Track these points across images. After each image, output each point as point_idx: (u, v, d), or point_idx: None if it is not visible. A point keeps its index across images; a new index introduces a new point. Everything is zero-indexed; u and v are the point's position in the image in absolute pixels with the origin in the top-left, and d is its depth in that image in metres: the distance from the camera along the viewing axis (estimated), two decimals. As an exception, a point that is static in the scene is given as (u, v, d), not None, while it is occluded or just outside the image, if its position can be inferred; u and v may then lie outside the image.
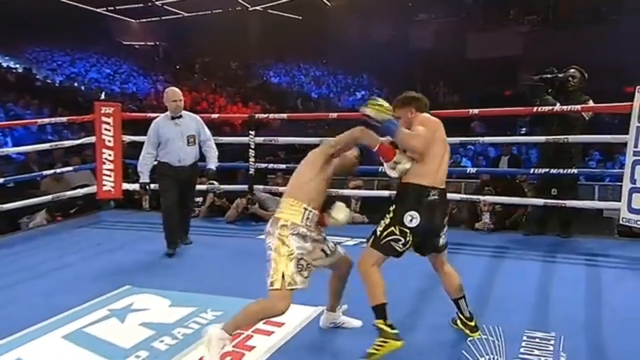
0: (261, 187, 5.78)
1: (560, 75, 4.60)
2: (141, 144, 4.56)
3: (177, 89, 4.54)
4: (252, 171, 5.57)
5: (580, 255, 4.07)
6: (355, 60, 19.99)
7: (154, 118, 4.57)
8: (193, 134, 4.45)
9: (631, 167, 4.04)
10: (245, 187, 5.61)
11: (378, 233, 2.57)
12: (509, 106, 5.28)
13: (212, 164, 4.59)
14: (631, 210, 4.05)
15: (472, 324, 2.71)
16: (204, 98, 16.38)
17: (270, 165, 6.16)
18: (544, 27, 18.28)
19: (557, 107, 4.43)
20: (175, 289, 3.46)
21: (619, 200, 4.17)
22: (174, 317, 3.04)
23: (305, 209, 2.53)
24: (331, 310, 2.83)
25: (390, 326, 2.47)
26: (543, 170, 4.56)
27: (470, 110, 5.06)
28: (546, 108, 4.45)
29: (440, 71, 18.78)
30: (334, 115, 5.73)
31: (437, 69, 18.85)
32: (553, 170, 4.47)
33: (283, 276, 2.42)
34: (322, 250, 2.64)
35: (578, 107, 4.38)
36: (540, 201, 4.57)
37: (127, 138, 5.84)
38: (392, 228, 2.53)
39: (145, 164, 4.42)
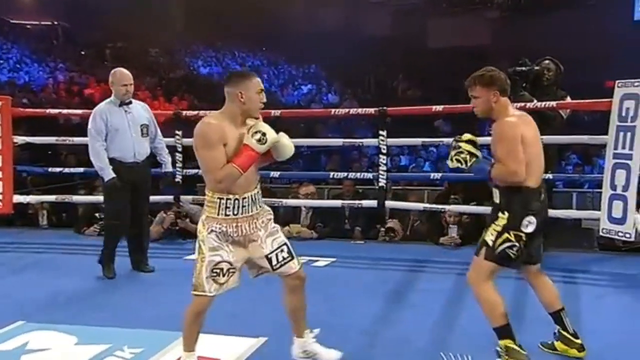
0: (190, 197, 5.72)
1: (536, 67, 4.80)
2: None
3: (126, 70, 4.47)
4: (179, 179, 5.50)
5: (557, 272, 4.21)
6: (301, 48, 20.10)
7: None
8: (146, 124, 4.44)
9: (611, 171, 4.27)
10: (170, 197, 5.53)
11: (490, 242, 2.68)
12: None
13: (169, 163, 4.66)
14: (612, 220, 4.27)
15: (579, 342, 2.80)
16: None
17: (201, 172, 6.09)
18: (515, 12, 19.06)
19: (532, 103, 4.62)
20: (84, 323, 3.37)
21: (599, 209, 4.40)
22: (81, 358, 2.95)
23: (220, 199, 2.56)
24: (298, 336, 2.79)
25: (520, 347, 2.63)
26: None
27: (434, 107, 5.19)
28: (517, 105, 4.63)
29: (399, 62, 19.19)
30: (277, 112, 5.75)
31: (395, 60, 19.25)
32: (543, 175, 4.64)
33: (198, 279, 2.57)
34: (260, 249, 2.63)
35: (554, 103, 4.59)
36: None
37: (20, 139, 5.68)
38: (507, 234, 2.65)
39: (102, 154, 4.27)
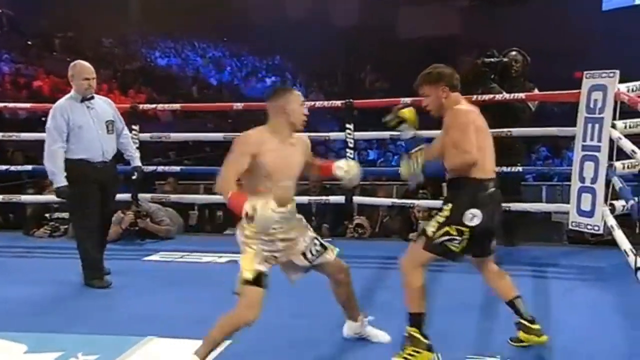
0: (148, 196, 5.67)
1: (504, 59, 4.90)
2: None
3: (87, 63, 4.35)
4: (136, 176, 5.44)
5: (527, 266, 4.34)
6: (265, 39, 20.06)
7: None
8: (111, 120, 4.31)
9: (580, 163, 4.39)
10: (127, 196, 5.48)
11: (430, 233, 2.73)
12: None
13: (137, 159, 4.58)
14: (581, 212, 4.40)
15: (537, 327, 2.85)
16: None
17: (160, 168, 6.05)
18: (485, 1, 19.33)
19: (501, 95, 4.72)
20: (34, 330, 3.32)
21: (569, 202, 4.52)
22: (32, 366, 2.91)
23: None
24: (352, 319, 3.03)
25: (425, 336, 2.69)
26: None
27: (402, 99, 5.25)
28: (487, 96, 4.73)
29: (366, 53, 19.31)
30: (240, 105, 5.75)
31: (363, 51, 19.36)
32: (495, 169, 4.74)
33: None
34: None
35: (523, 95, 4.70)
36: (482, 205, 4.83)
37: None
38: (447, 228, 2.70)
39: (59, 160, 4.09)
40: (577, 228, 4.47)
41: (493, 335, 3.17)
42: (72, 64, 4.38)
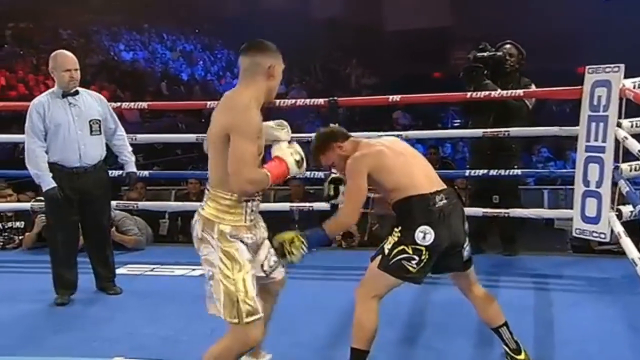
0: (114, 203, 5.62)
1: (498, 53, 4.93)
2: None
3: (69, 53, 4.21)
4: (128, 183, 5.40)
5: (527, 277, 4.38)
6: (240, 30, 20.00)
7: None
8: (97, 118, 4.15)
9: (583, 165, 4.42)
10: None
11: (386, 251, 2.74)
12: (439, 91, 5.58)
13: (132, 163, 4.43)
14: (585, 219, 4.42)
15: (522, 357, 2.87)
16: (22, 79, 15.54)
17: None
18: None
19: (497, 92, 4.74)
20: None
21: (572, 208, 4.55)
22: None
23: (247, 202, 2.49)
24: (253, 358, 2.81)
25: None
26: (481, 172, 4.86)
27: (391, 97, 5.27)
28: (482, 94, 4.76)
29: (352, 47, 19.34)
30: (214, 103, 5.69)
31: (348, 44, 19.39)
32: (493, 172, 4.78)
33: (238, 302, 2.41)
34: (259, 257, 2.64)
35: (520, 92, 4.73)
36: (478, 211, 4.86)
37: None
38: (403, 246, 2.71)
39: (41, 162, 4.00)
40: (581, 235, 4.50)
41: (494, 349, 3.16)
42: (52, 54, 4.22)
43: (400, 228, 2.78)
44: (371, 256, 2.86)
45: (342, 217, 2.84)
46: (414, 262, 2.72)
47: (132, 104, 6.69)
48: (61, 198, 4.04)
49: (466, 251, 2.86)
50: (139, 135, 5.77)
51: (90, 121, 4.12)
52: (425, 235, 2.71)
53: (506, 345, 2.93)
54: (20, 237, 5.71)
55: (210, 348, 2.53)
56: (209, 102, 5.80)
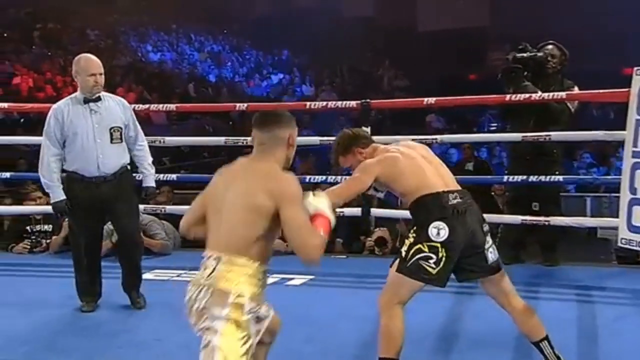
0: (141, 206, 5.67)
1: (538, 53, 4.87)
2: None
3: (94, 56, 4.16)
4: (145, 197, 5.45)
5: (570, 289, 4.32)
6: (270, 31, 20.11)
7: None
8: (118, 126, 4.09)
9: (630, 172, 4.33)
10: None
11: (403, 254, 2.79)
12: (475, 93, 5.54)
13: (151, 177, 4.35)
14: (632, 228, 4.34)
15: None
16: (50, 81, 15.81)
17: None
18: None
19: (538, 95, 4.69)
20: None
21: (617, 216, 4.47)
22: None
23: (265, 272, 2.36)
24: None
25: None
26: (520, 178, 4.80)
27: (425, 100, 5.25)
28: (522, 96, 4.71)
29: (385, 48, 19.28)
30: (243, 106, 5.76)
31: (380, 45, 19.34)
32: (532, 178, 4.73)
33: None
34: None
35: (563, 94, 4.67)
36: (517, 218, 4.81)
37: None
38: (419, 245, 2.74)
39: (52, 172, 4.01)
40: (627, 246, 4.41)
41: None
42: (76, 58, 4.18)
43: (415, 228, 2.84)
44: (390, 263, 2.89)
45: (332, 195, 2.67)
46: (431, 261, 2.73)
47: (161, 106, 6.76)
48: (67, 210, 4.07)
49: (490, 253, 2.84)
50: (167, 138, 5.83)
51: (111, 129, 4.06)
52: (439, 230, 2.74)
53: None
54: (48, 241, 5.80)
55: None
56: (238, 105, 5.84)
